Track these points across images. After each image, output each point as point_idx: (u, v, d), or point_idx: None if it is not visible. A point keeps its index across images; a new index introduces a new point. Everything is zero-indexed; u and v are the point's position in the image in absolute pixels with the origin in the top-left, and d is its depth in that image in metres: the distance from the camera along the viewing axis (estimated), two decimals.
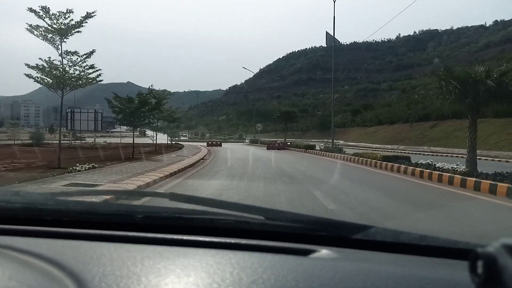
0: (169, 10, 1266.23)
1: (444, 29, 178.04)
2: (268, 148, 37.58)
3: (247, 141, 60.03)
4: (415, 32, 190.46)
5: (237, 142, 63.58)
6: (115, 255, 0.87)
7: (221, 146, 43.47)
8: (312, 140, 56.10)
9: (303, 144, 36.65)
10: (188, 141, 61.43)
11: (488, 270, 0.62)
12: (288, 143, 41.41)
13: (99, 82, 14.24)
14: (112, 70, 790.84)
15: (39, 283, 0.74)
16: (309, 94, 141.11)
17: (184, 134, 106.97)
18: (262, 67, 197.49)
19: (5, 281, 0.71)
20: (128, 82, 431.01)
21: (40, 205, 1.27)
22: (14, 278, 0.73)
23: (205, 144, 44.27)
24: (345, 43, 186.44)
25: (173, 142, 37.65)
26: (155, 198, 1.54)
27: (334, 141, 30.15)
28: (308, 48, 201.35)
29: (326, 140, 35.04)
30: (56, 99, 14.19)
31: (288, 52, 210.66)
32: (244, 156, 24.02)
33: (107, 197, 5.49)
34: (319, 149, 29.27)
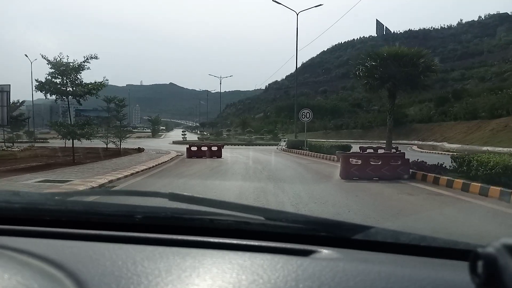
0: (214, 13, 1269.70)
1: None
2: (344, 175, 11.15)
3: (282, 143, 34.37)
4: (480, 17, 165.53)
5: (270, 145, 41.81)
6: (114, 255, 0.87)
7: (220, 157, 20.17)
8: (381, 141, 37.45)
9: None
10: (182, 143, 40.27)
11: (488, 271, 0.61)
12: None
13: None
14: (156, 72, 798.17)
15: (38, 283, 0.73)
16: (359, 87, 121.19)
17: (198, 132, 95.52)
18: (304, 61, 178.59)
19: (5, 281, 0.71)
20: (170, 83, 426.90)
21: (39, 205, 1.26)
22: (14, 279, 0.72)
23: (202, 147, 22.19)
24: (398, 31, 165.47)
25: (120, 146, 21.41)
26: (155, 198, 1.44)
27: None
28: (356, 38, 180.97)
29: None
30: None
31: (333, 44, 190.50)
32: None
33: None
34: None
